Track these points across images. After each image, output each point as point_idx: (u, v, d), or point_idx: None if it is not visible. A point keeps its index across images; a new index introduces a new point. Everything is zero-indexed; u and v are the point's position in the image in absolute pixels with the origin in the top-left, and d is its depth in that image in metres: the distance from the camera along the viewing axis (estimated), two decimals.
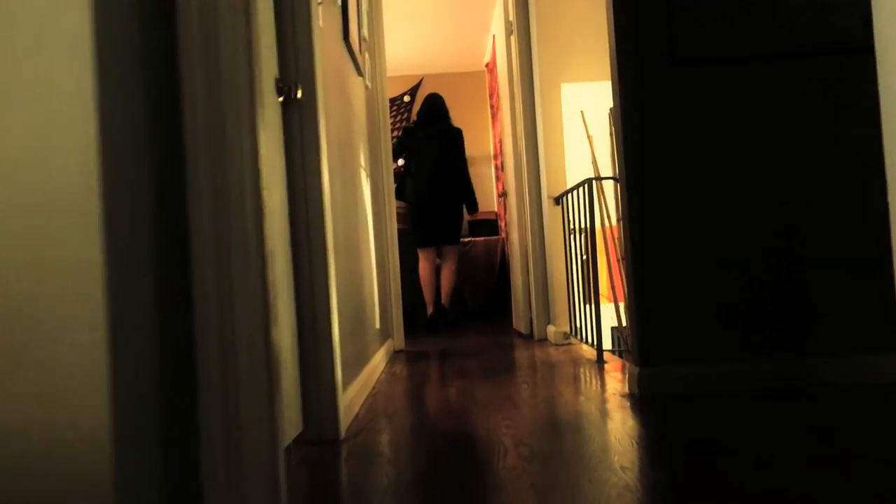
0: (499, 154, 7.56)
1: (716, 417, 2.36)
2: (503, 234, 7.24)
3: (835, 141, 2.78)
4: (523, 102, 4.88)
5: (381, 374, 3.78)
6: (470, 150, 8.36)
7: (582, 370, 3.53)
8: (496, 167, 7.96)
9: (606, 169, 4.31)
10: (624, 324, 4.18)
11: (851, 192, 2.77)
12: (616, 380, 3.22)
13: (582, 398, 2.80)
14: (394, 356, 4.62)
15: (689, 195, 2.78)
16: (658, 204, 2.78)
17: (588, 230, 3.82)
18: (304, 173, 2.30)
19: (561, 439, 2.17)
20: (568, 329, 4.56)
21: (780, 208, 2.77)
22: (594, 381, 3.22)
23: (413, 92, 8.49)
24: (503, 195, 5.95)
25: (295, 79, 2.26)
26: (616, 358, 3.91)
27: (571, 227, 4.30)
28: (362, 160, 3.91)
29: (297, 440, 2.22)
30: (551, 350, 4.36)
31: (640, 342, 2.77)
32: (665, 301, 2.77)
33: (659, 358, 2.75)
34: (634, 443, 2.12)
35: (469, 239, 7.19)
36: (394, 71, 8.28)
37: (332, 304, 2.32)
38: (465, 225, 7.24)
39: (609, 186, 4.25)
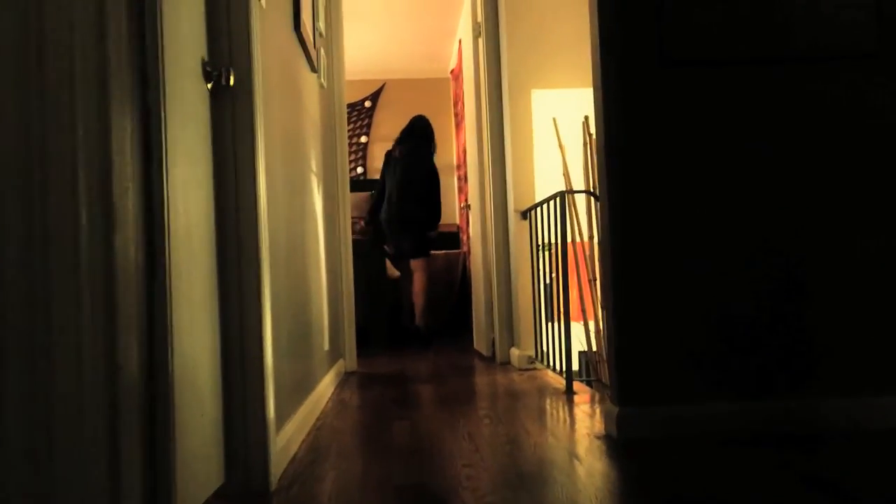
0: (462, 164, 7.26)
1: (707, 467, 2.05)
2: (465, 248, 6.92)
3: (839, 148, 2.50)
4: (490, 109, 4.57)
5: (328, 402, 3.42)
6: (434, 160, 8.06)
7: (549, 402, 3.21)
8: (459, 178, 7.65)
9: (579, 182, 4.02)
10: (594, 348, 3.88)
11: (860, 205, 2.49)
12: (587, 415, 2.90)
13: (551, 439, 2.47)
14: (345, 379, 4.25)
15: (676, 209, 2.48)
16: (642, 218, 2.48)
17: (559, 247, 3.52)
18: (236, 172, 1.94)
19: (529, 495, 1.84)
20: (533, 353, 4.24)
21: (779, 225, 2.49)
22: (564, 417, 2.90)
23: (374, 97, 8.15)
24: (466, 207, 5.64)
25: (227, 62, 1.91)
26: (585, 387, 3.60)
27: (539, 242, 3.99)
28: (314, 164, 3.55)
29: (217, 494, 1.86)
30: (515, 376, 4.04)
31: (619, 377, 2.46)
32: (649, 330, 2.46)
33: (641, 396, 2.43)
34: (615, 500, 1.79)
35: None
36: (354, 75, 7.92)
37: (265, 326, 1.96)
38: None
39: (581, 201, 3.96)
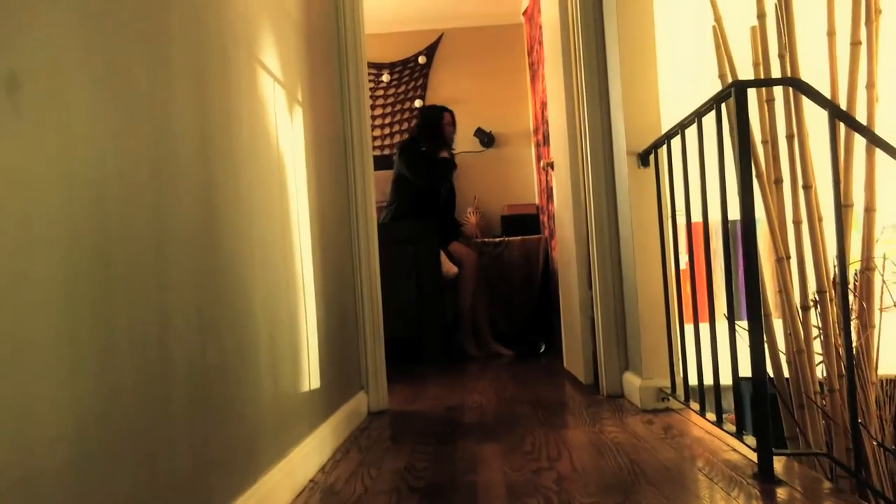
0: (540, 124, 5.62)
1: None
2: (546, 231, 5.28)
3: None
4: (583, 9, 2.94)
5: (295, 499, 1.85)
6: (503, 126, 6.46)
7: None
8: (537, 143, 6.01)
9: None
10: (785, 373, 2.19)
11: None
12: None
13: None
14: (364, 426, 2.68)
15: None
16: None
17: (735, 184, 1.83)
18: None
19: None
20: (667, 383, 2.58)
21: None
22: None
23: (430, 52, 6.58)
24: (548, 166, 4.00)
25: None
26: (794, 466, 1.90)
27: (674, 200, 2.33)
28: (279, 71, 2.00)
29: None
30: (638, 426, 2.39)
31: None
32: None
33: None
34: None
35: (501, 239, 5.26)
36: (404, 25, 6.43)
37: None
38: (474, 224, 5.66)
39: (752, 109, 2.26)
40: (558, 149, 3.61)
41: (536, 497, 1.69)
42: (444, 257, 4.62)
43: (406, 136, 5.96)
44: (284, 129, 2.02)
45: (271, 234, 1.83)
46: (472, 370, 4.10)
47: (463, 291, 4.69)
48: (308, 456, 1.96)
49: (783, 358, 2.18)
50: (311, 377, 2.12)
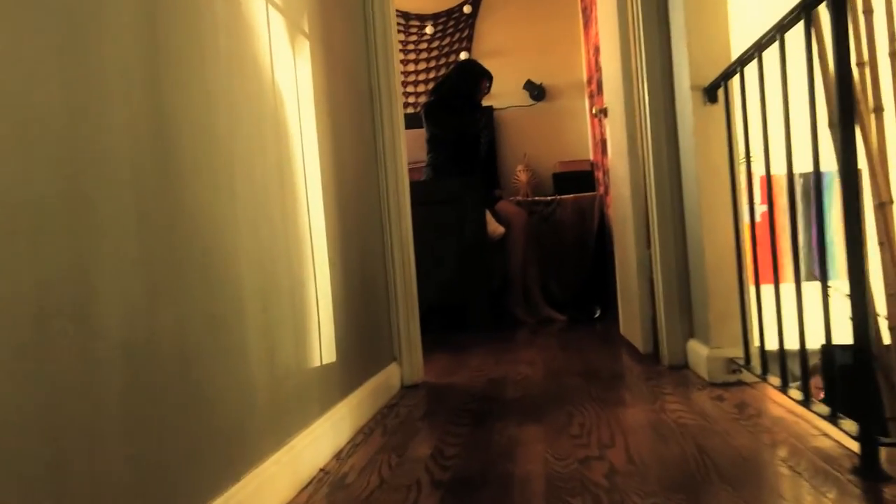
0: (594, 72, 5.22)
1: None
2: (601, 189, 4.91)
3: None
4: None
5: (301, 492, 1.59)
6: (555, 78, 6.05)
7: None
8: (590, 95, 5.60)
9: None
10: (885, 339, 1.83)
11: None
12: None
13: None
14: (396, 401, 2.41)
15: None
16: None
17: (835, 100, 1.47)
18: None
19: None
20: (740, 353, 2.23)
21: None
22: None
23: (476, 1, 6.20)
24: (600, 113, 3.63)
25: None
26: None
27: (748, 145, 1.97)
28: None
29: None
30: (705, 402, 2.06)
31: None
32: None
33: None
34: None
35: (552, 197, 4.91)
36: None
37: None
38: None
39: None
40: (612, 92, 3.24)
41: (582, 496, 1.39)
42: (489, 217, 4.31)
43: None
44: (283, 60, 1.72)
45: (263, 184, 1.54)
46: (521, 338, 3.80)
47: (512, 253, 4.38)
48: (318, 441, 1.70)
49: (884, 324, 1.81)
50: (322, 351, 1.84)
